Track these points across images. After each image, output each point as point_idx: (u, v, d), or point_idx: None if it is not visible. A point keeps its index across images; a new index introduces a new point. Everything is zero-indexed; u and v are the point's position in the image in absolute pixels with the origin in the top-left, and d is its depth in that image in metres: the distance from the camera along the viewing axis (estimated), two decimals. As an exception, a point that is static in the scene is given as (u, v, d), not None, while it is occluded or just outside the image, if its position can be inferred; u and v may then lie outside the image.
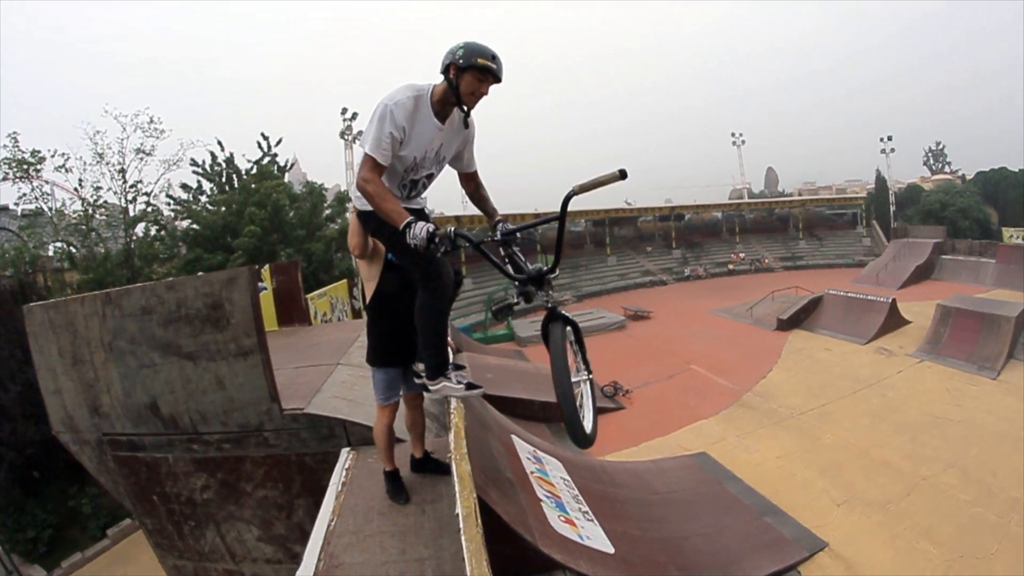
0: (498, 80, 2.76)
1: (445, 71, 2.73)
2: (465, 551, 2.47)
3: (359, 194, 2.79)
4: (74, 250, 17.15)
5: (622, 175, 2.36)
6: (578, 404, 2.90)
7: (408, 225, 2.52)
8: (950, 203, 36.74)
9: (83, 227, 17.12)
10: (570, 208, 2.68)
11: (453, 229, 2.56)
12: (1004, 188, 39.01)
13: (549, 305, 2.93)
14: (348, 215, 3.06)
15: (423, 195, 3.19)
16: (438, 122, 2.82)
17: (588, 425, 3.00)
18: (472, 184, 3.21)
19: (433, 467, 3.56)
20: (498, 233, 3.03)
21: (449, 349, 3.15)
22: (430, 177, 3.06)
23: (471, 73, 2.67)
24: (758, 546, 6.62)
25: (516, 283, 2.95)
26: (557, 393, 2.75)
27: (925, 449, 9.49)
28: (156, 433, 4.58)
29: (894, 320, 17.05)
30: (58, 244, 17.74)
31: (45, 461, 11.31)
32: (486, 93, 2.77)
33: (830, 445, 10.04)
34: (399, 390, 3.23)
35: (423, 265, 2.83)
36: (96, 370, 4.56)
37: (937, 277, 26.73)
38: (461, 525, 2.65)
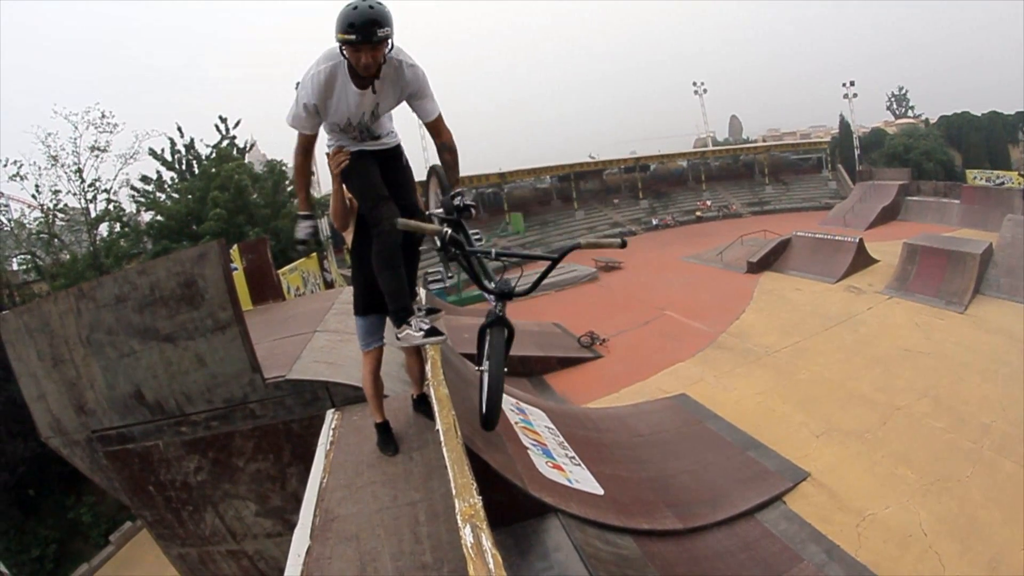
0: (369, 44, 2.49)
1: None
2: (447, 460, 2.51)
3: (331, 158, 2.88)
4: (39, 260, 16.52)
5: (623, 244, 2.81)
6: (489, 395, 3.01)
7: (296, 219, 3.03)
8: (914, 146, 37.12)
9: (45, 235, 16.48)
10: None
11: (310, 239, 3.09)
12: (967, 131, 39.53)
13: (501, 314, 2.97)
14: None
15: (383, 135, 3.08)
16: (357, 89, 2.70)
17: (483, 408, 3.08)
18: (438, 138, 3.01)
19: (429, 405, 3.59)
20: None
21: (419, 296, 3.24)
22: (376, 125, 2.99)
23: (345, 48, 2.53)
24: (743, 479, 6.68)
25: (485, 290, 3.06)
26: (491, 389, 2.92)
27: (898, 381, 9.68)
28: (144, 421, 4.55)
29: (862, 259, 17.26)
30: (21, 257, 17.09)
31: (38, 477, 11.14)
32: (372, 60, 2.56)
33: (806, 380, 10.18)
34: (380, 337, 3.24)
35: (368, 210, 2.91)
36: (77, 367, 4.49)
37: (903, 218, 27.10)
38: (442, 439, 2.70)
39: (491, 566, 1.83)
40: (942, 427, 8.05)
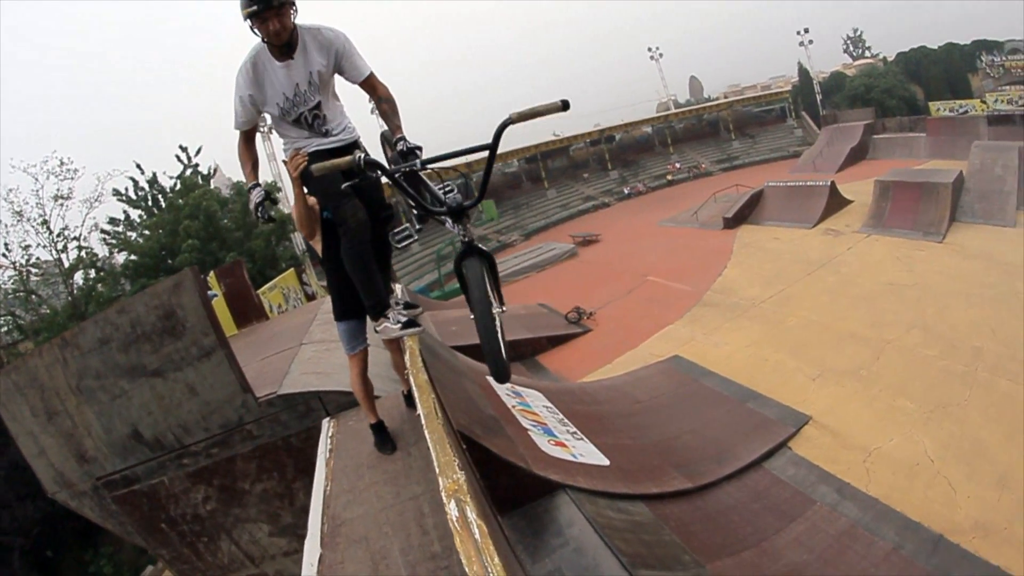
0: (272, 9, 2.58)
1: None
2: (429, 441, 2.50)
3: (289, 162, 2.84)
4: (19, 320, 16.26)
5: (564, 106, 2.26)
6: (499, 337, 2.77)
7: (249, 189, 2.97)
8: (874, 85, 37.32)
9: (21, 292, 16.21)
10: (500, 151, 2.44)
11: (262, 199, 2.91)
12: (926, 65, 39.70)
13: (466, 240, 2.70)
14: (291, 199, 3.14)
15: (334, 129, 3.05)
16: (281, 64, 2.79)
17: (506, 357, 2.86)
18: (374, 95, 3.01)
19: None
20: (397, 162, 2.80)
21: (396, 292, 3.21)
22: (319, 106, 2.96)
23: (252, 22, 2.61)
24: (746, 431, 6.68)
25: (433, 216, 2.82)
26: (480, 328, 2.64)
27: (885, 315, 9.76)
28: (145, 460, 4.57)
29: (836, 201, 17.36)
30: (1, 318, 16.83)
31: (52, 537, 11.04)
32: (280, 26, 2.64)
33: (795, 326, 10.24)
34: (363, 339, 3.27)
35: (332, 209, 2.93)
36: (72, 417, 4.49)
37: (872, 156, 27.30)
38: (423, 423, 2.70)
39: (477, 536, 1.82)
40: (935, 355, 8.12)
